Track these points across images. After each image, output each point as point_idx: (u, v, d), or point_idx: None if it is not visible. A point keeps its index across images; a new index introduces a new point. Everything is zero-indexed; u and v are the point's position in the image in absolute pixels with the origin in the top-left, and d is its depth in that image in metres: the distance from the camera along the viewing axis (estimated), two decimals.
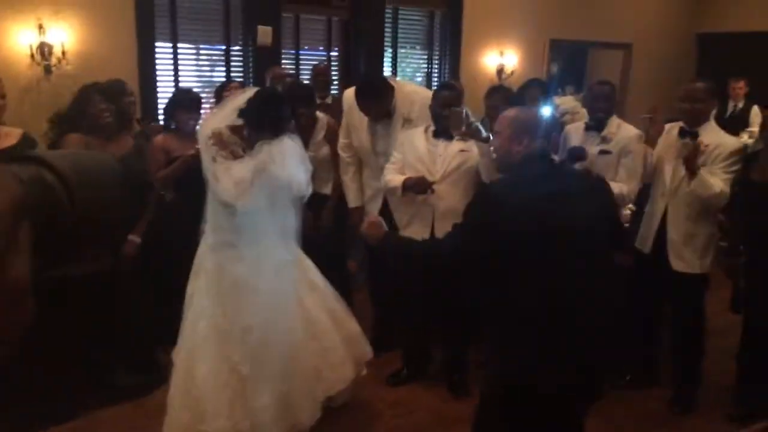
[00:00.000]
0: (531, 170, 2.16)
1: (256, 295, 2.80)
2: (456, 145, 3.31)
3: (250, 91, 2.89)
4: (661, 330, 3.56)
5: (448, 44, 6.35)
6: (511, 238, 1.96)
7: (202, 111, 3.82)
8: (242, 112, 2.81)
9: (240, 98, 2.85)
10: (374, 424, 3.17)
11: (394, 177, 3.37)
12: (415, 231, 3.36)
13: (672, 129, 3.35)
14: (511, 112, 2.29)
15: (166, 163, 3.53)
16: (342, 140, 3.80)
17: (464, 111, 3.07)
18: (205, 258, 2.87)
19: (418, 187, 3.26)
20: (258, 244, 2.83)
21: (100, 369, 3.29)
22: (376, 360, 3.33)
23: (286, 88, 4.10)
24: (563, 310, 1.98)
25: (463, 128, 3.08)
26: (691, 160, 3.03)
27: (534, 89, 3.85)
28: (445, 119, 3.21)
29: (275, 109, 2.85)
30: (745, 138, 5.08)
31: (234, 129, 2.81)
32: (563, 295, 1.99)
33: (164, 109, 3.88)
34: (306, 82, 4.86)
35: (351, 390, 3.15)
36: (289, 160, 2.80)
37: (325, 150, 3.83)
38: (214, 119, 2.86)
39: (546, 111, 3.39)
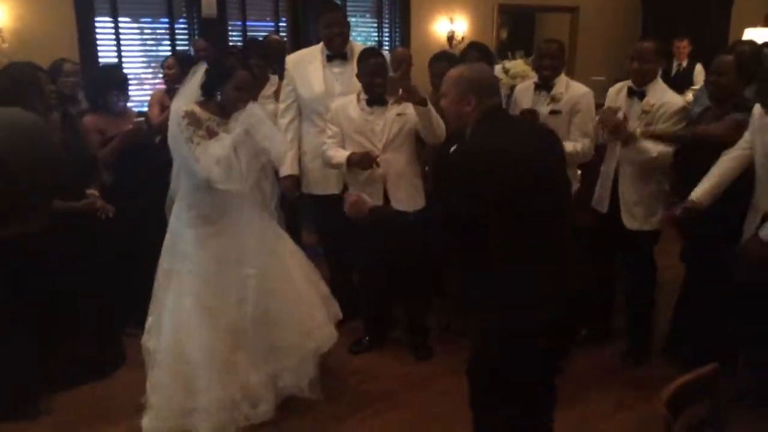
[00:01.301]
0: (493, 125, 2.16)
1: (243, 268, 2.82)
2: (392, 109, 3.31)
3: (203, 65, 2.84)
4: (615, 285, 3.67)
5: (398, 12, 6.31)
6: (504, 191, 1.99)
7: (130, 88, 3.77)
8: (203, 87, 2.78)
9: (199, 73, 2.80)
10: (342, 393, 3.20)
11: (336, 153, 3.35)
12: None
13: (621, 89, 3.41)
14: (454, 71, 2.25)
15: (102, 143, 3.44)
16: (284, 101, 3.73)
17: (398, 75, 3.08)
18: (180, 235, 2.85)
19: (363, 163, 3.26)
20: (237, 215, 2.84)
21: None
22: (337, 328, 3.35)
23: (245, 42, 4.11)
24: (556, 243, 2.09)
25: (400, 92, 3.09)
26: (616, 130, 3.07)
27: (472, 53, 3.83)
28: (379, 86, 3.23)
29: (222, 68, 2.81)
30: (689, 96, 5.20)
31: (204, 105, 2.77)
32: (552, 230, 2.09)
33: (90, 88, 3.74)
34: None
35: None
36: (263, 128, 2.80)
37: (271, 107, 3.80)
38: (181, 99, 2.80)
39: None
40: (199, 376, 2.73)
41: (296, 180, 3.74)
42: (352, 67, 3.52)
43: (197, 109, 2.73)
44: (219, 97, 2.78)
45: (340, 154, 3.32)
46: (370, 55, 3.32)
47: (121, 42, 4.94)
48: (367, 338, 3.67)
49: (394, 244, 3.33)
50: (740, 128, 2.97)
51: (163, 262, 2.89)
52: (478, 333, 2.23)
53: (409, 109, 3.25)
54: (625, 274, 3.56)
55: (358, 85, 3.46)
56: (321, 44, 3.69)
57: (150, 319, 2.90)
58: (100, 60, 4.77)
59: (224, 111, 2.79)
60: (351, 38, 3.72)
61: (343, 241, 3.83)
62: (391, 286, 3.64)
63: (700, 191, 2.92)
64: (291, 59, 3.79)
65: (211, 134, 2.73)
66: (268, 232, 2.99)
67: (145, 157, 3.53)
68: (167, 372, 2.76)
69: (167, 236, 2.90)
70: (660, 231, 3.39)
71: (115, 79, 3.65)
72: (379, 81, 3.22)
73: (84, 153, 3.28)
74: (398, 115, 3.31)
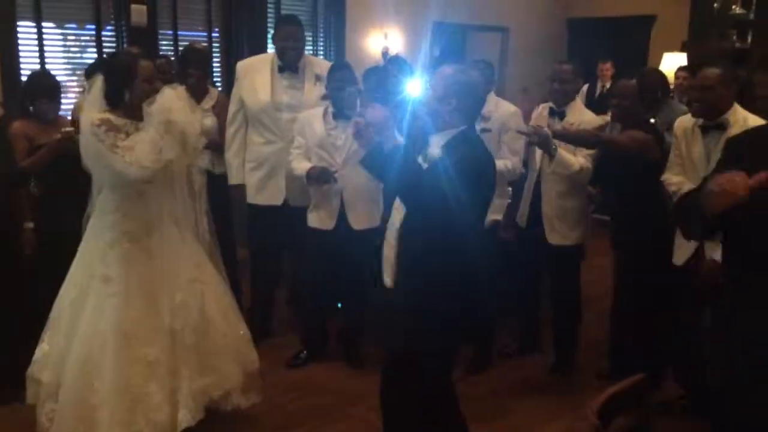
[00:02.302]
0: (474, 132, 2.38)
1: (173, 293, 2.68)
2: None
3: (98, 75, 2.73)
4: (541, 299, 3.77)
5: (333, 25, 6.32)
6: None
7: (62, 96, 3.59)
8: (107, 96, 2.66)
9: (96, 86, 2.69)
10: (272, 411, 3.14)
11: (299, 164, 3.37)
12: (322, 215, 3.41)
13: (543, 109, 3.55)
14: (447, 70, 2.31)
15: (30, 152, 3.27)
16: (231, 108, 3.68)
17: (359, 89, 3.10)
18: (99, 257, 2.67)
19: (321, 177, 3.28)
20: (161, 234, 2.72)
21: None
22: (271, 343, 3.31)
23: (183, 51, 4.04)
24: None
25: (358, 108, 3.11)
26: (545, 143, 3.18)
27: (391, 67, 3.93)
28: (341, 100, 3.25)
29: (125, 71, 2.69)
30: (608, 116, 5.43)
31: (114, 112, 2.66)
32: None
33: (21, 94, 3.58)
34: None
35: (243, 396, 2.90)
36: (180, 113, 2.74)
37: (209, 121, 3.73)
38: (89, 109, 2.68)
39: (412, 88, 3.51)
40: (105, 409, 2.51)
41: (244, 189, 3.70)
42: (303, 81, 3.53)
43: (111, 116, 2.63)
44: (127, 98, 2.67)
45: (302, 166, 3.34)
46: (337, 67, 3.45)
47: (45, 48, 4.74)
48: (305, 352, 3.64)
49: (337, 255, 3.35)
50: (640, 142, 3.13)
51: (71, 289, 2.69)
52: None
53: None
54: (551, 290, 3.67)
55: (309, 99, 3.50)
56: (273, 53, 3.68)
57: (45, 347, 2.69)
58: (22, 66, 4.55)
59: (135, 112, 2.69)
60: None
61: (275, 255, 3.81)
62: (330, 298, 3.64)
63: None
64: (241, 65, 3.76)
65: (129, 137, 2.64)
66: (192, 258, 2.83)
67: (75, 167, 3.38)
68: (71, 408, 2.54)
69: (77, 261, 2.73)
70: (583, 245, 3.52)
71: (45, 85, 3.47)
72: (342, 95, 3.24)
73: (10, 162, 3.10)
74: None
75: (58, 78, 3.67)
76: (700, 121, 2.92)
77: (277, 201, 3.65)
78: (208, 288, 2.84)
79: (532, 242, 3.48)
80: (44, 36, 4.72)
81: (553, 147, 3.17)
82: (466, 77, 2.28)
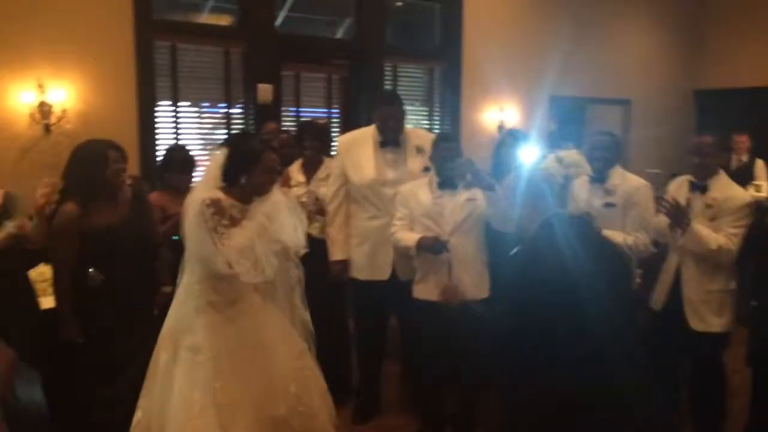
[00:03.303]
0: None
1: (269, 360, 2.67)
2: (461, 194, 3.29)
3: (222, 150, 2.77)
4: (680, 389, 3.40)
5: (448, 100, 6.38)
6: None
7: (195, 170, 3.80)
8: (225, 173, 2.70)
9: (216, 159, 2.72)
10: None
11: (405, 235, 3.31)
12: (430, 286, 3.32)
13: (682, 183, 3.30)
14: None
15: (162, 221, 3.44)
16: (332, 187, 3.70)
17: (469, 160, 3.05)
18: (187, 324, 2.67)
19: (434, 248, 3.20)
20: (249, 303, 2.72)
21: None
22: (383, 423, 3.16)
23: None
24: None
25: (469, 177, 3.05)
26: (679, 217, 2.95)
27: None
28: (450, 170, 3.22)
29: (251, 155, 2.72)
30: (751, 191, 5.02)
31: (227, 191, 2.70)
32: None
33: (157, 167, 3.83)
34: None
35: None
36: (280, 216, 2.72)
37: (324, 190, 3.77)
38: (203, 186, 2.72)
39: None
40: None
41: (346, 265, 3.68)
42: (405, 154, 3.52)
43: (222, 197, 2.64)
44: (243, 181, 2.69)
45: (409, 237, 3.29)
46: (443, 138, 3.46)
47: (179, 125, 5.09)
48: None
49: (447, 328, 3.22)
50: None
51: (161, 352, 2.69)
52: None
53: (479, 194, 3.23)
54: (691, 379, 3.31)
55: (411, 171, 3.47)
56: (373, 127, 3.70)
57: (139, 415, 2.67)
58: (158, 142, 4.89)
59: (246, 196, 2.71)
60: None
61: (382, 330, 3.72)
62: (444, 379, 3.48)
63: None
64: (343, 141, 3.80)
65: (234, 222, 2.64)
66: (277, 326, 2.81)
67: None
68: None
69: (167, 324, 2.73)
70: (729, 333, 3.17)
71: (180, 158, 3.72)
72: (449, 165, 3.22)
73: (150, 231, 3.25)
74: (468, 200, 3.28)
75: (191, 152, 3.90)
76: None
77: (384, 276, 3.59)
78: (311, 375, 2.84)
79: (668, 327, 3.18)
80: (179, 114, 5.08)
81: (686, 221, 2.92)
82: None
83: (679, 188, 3.31)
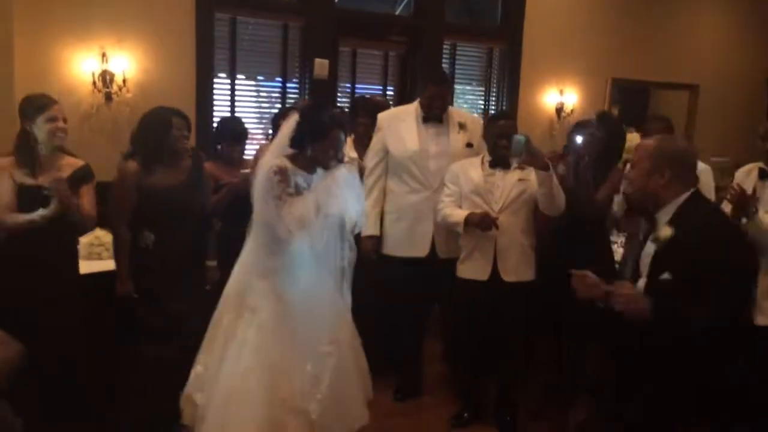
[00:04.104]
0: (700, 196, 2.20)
1: (320, 338, 2.68)
2: (514, 174, 3.24)
3: (294, 116, 2.78)
4: None
5: (506, 81, 6.22)
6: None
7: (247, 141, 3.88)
8: (293, 140, 2.73)
9: (288, 126, 2.75)
10: None
11: (453, 211, 3.27)
12: (476, 265, 3.28)
13: (752, 170, 3.13)
14: (650, 142, 2.22)
15: (214, 191, 3.48)
16: (372, 159, 3.67)
17: (525, 137, 2.97)
18: (251, 285, 2.71)
19: (483, 224, 3.14)
20: (313, 276, 2.74)
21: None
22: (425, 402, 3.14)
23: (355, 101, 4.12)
24: None
25: (524, 155, 2.99)
26: (743, 205, 2.82)
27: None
28: (504, 148, 3.17)
29: (320, 129, 2.72)
30: None
31: (293, 159, 2.72)
32: None
33: (211, 137, 3.88)
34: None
35: None
36: (344, 192, 2.70)
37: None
38: (271, 154, 2.76)
39: None
40: None
41: (377, 241, 3.64)
42: (448, 129, 3.47)
43: (288, 165, 2.68)
44: (309, 152, 2.72)
45: (458, 213, 3.25)
46: (499, 116, 3.46)
47: (236, 98, 5.13)
48: (466, 414, 3.50)
49: (490, 308, 3.18)
50: None
51: (225, 313, 2.73)
52: None
53: (531, 175, 3.17)
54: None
55: (454, 147, 3.47)
56: (416, 103, 3.66)
57: (199, 369, 2.73)
58: (215, 114, 4.94)
59: (311, 165, 2.74)
60: (456, 105, 3.69)
61: (421, 309, 3.67)
62: (483, 357, 3.44)
63: None
64: (383, 116, 3.75)
65: (298, 190, 2.67)
66: (337, 309, 2.82)
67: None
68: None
69: (231, 284, 2.78)
70: None
71: (234, 129, 3.78)
72: (503, 143, 3.17)
73: (205, 201, 3.31)
74: (520, 179, 3.22)
75: (246, 125, 3.92)
76: None
77: (422, 253, 3.54)
78: (350, 340, 2.84)
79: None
80: (236, 87, 5.12)
81: (753, 209, 2.81)
82: (672, 145, 2.20)
83: (747, 175, 3.14)
